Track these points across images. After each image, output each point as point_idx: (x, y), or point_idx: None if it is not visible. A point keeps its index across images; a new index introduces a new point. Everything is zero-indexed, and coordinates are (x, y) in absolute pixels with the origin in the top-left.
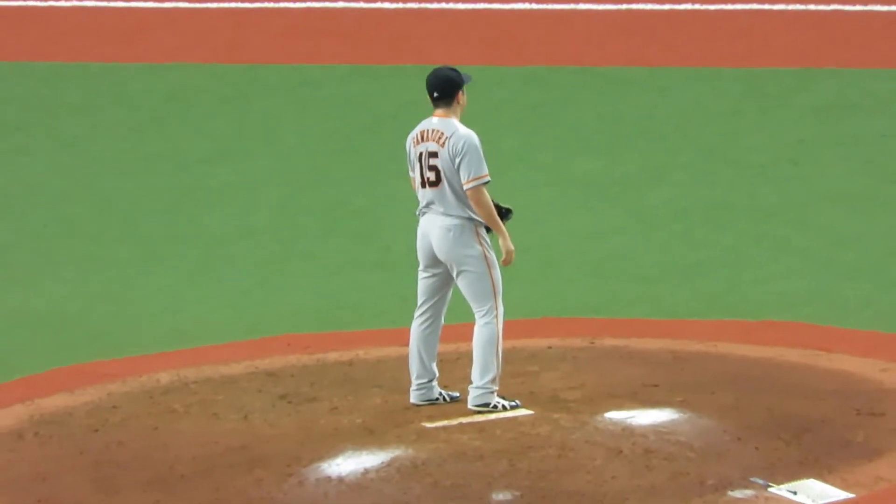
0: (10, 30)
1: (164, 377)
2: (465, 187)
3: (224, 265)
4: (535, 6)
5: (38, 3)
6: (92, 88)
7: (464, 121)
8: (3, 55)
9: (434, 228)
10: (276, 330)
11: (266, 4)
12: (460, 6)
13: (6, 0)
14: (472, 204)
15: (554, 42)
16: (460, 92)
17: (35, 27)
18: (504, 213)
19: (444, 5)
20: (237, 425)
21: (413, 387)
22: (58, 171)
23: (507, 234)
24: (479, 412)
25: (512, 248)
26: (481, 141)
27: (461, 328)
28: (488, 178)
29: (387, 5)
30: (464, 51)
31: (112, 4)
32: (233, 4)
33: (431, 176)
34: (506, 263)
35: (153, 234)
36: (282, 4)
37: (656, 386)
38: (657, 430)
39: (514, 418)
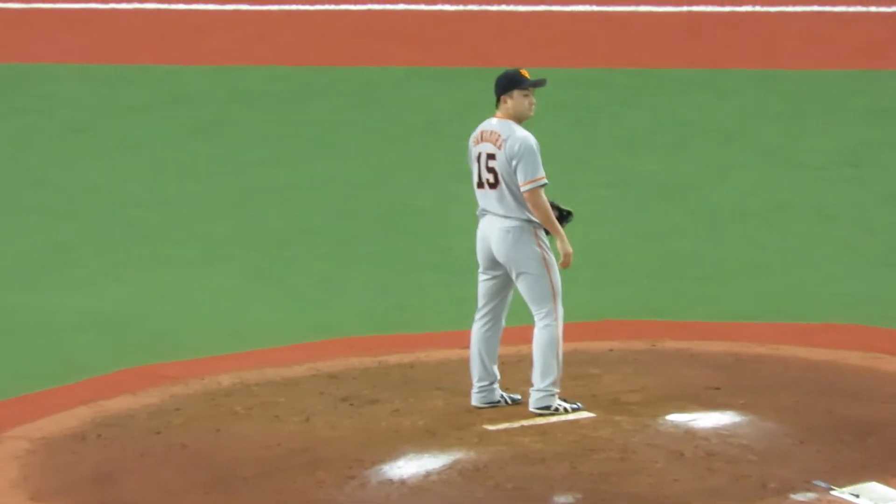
0: (72, 32)
1: (226, 379)
2: (521, 190)
3: (285, 267)
4: (594, 8)
5: (100, 6)
6: (154, 91)
7: (524, 122)
8: (66, 57)
9: (493, 230)
10: (337, 332)
11: (326, 7)
12: (520, 8)
13: (69, 3)
14: (529, 206)
15: (613, 44)
16: (504, 95)
17: (97, 30)
18: (564, 216)
19: (503, 7)
20: (299, 427)
21: (474, 389)
22: (120, 173)
23: (564, 237)
24: (541, 415)
25: (570, 250)
26: (539, 143)
27: (522, 330)
28: (545, 181)
29: (446, 7)
30: (523, 52)
31: (174, 7)
32: (293, 7)
33: (489, 177)
34: (564, 266)
35: (215, 236)
36: (341, 7)
37: (718, 388)
38: (719, 433)
39: (576, 421)
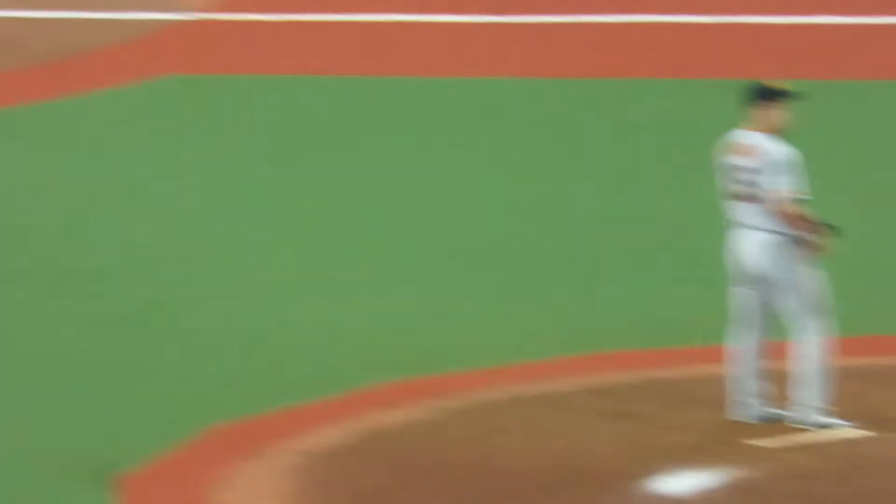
0: (329, 43)
1: (492, 393)
2: (771, 201)
3: (546, 280)
4: (849, 20)
5: (354, 17)
6: (395, 103)
7: (779, 135)
8: (323, 69)
9: (747, 244)
10: (601, 346)
11: (577, 18)
12: (774, 19)
13: (323, 14)
14: (778, 218)
15: (869, 56)
16: (756, 107)
17: (352, 41)
18: (827, 230)
19: (758, 18)
20: (566, 443)
21: (740, 405)
22: (376, 186)
23: (818, 238)
24: (810, 431)
25: (827, 246)
26: (800, 157)
27: (787, 346)
28: (798, 194)
29: (700, 19)
30: (778, 64)
31: (428, 18)
32: (543, 18)
33: (743, 190)
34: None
35: (475, 248)
36: (588, 18)
37: None
38: None
39: (848, 438)
